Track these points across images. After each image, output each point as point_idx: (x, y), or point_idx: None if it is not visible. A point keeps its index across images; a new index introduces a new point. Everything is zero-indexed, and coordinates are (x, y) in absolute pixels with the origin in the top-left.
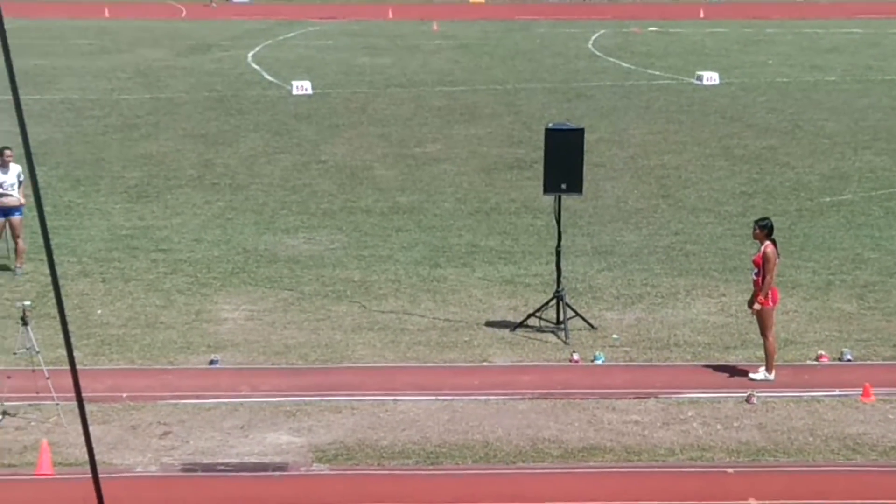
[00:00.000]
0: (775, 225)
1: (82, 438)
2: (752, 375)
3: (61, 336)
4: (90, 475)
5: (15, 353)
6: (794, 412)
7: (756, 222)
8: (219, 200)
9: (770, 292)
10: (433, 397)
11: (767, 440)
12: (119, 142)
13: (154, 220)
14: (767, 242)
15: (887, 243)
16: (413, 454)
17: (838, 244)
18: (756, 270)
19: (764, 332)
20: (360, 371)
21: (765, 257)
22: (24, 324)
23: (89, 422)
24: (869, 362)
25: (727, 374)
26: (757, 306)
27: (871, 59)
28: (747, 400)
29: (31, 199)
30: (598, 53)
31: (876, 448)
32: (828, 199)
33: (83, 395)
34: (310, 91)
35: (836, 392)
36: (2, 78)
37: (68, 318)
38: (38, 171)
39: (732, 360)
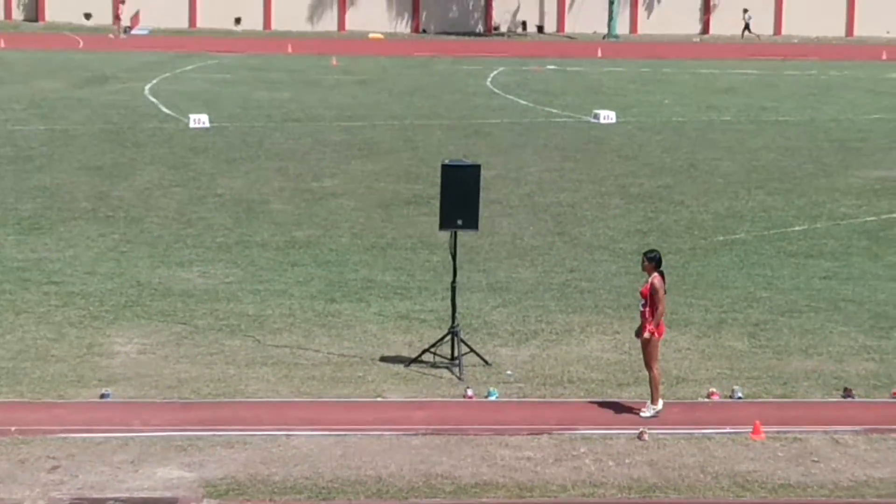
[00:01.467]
0: (669, 262)
1: None
2: (642, 414)
3: None
4: None
5: None
6: (685, 449)
7: (645, 254)
8: (113, 233)
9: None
10: (326, 432)
11: (658, 477)
12: (13, 173)
13: (47, 252)
14: (655, 274)
15: (779, 282)
16: (305, 489)
17: (731, 283)
18: (643, 302)
19: (649, 363)
20: (253, 406)
21: (652, 288)
22: None
23: None
24: (759, 400)
25: (620, 411)
26: (646, 335)
27: (765, 99)
28: (639, 437)
29: None
30: (496, 91)
31: (765, 485)
32: (721, 238)
33: None
34: (207, 124)
35: (727, 429)
36: None
37: None
38: None
39: (626, 396)
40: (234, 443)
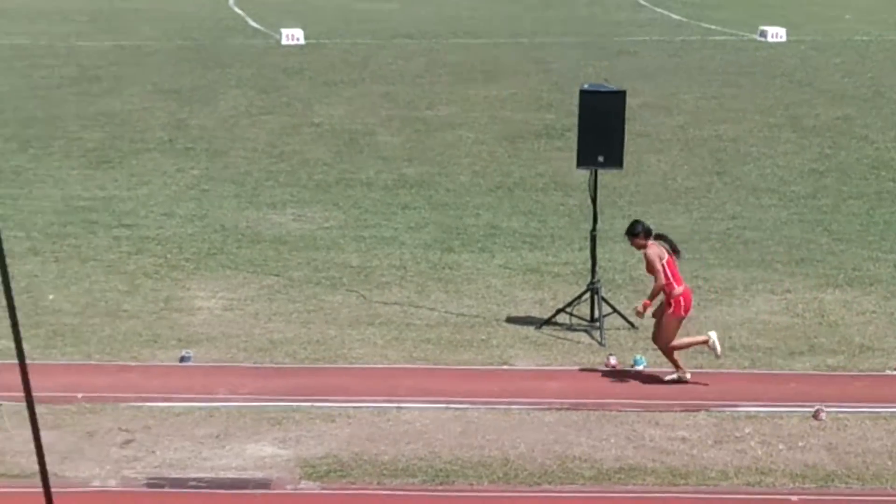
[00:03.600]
0: (851, 208)
1: (31, 446)
2: (667, 378)
3: (3, 325)
4: (40, 490)
5: None
6: (870, 431)
7: (626, 233)
8: (193, 168)
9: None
10: (443, 405)
11: (838, 463)
12: (77, 97)
13: (117, 189)
14: (649, 243)
15: None
16: (419, 472)
17: None
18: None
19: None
20: (357, 373)
21: (647, 262)
22: None
23: (39, 426)
24: None
25: (791, 385)
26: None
27: None
28: (815, 416)
29: None
30: (643, 3)
31: None
32: None
33: (32, 394)
34: (302, 41)
35: None
36: None
37: (15, 304)
38: None
39: (798, 368)
40: (336, 416)
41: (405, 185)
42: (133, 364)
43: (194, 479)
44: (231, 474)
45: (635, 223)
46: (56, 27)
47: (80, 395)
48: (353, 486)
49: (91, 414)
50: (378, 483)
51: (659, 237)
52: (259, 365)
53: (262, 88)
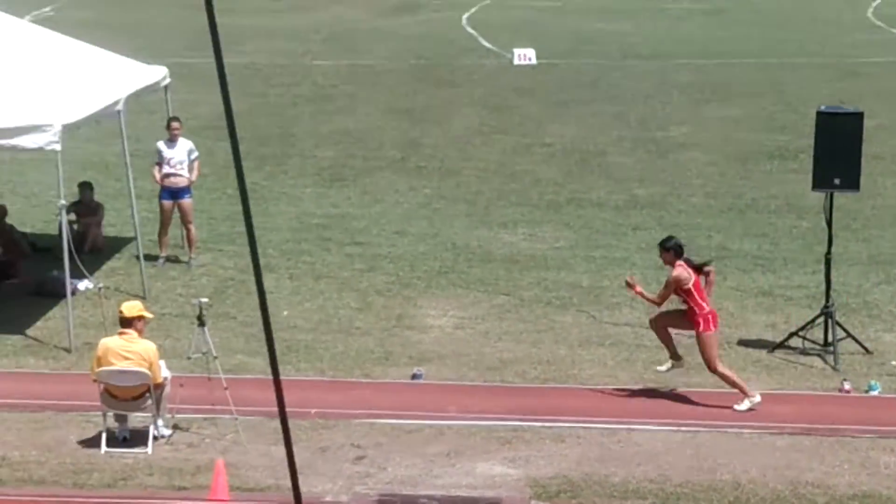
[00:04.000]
0: None
1: (264, 460)
2: (736, 407)
3: (241, 340)
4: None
5: (189, 358)
6: None
7: (659, 244)
8: (425, 187)
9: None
10: (674, 427)
11: None
12: (311, 115)
13: (350, 207)
14: (678, 263)
15: None
16: (650, 494)
17: None
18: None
19: (712, 364)
20: (587, 393)
21: (675, 282)
22: (201, 324)
23: (273, 441)
24: None
25: None
26: (701, 330)
27: None
28: None
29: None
30: (879, 23)
31: None
32: None
33: (266, 409)
34: (534, 61)
35: None
36: (178, 39)
37: (250, 320)
38: (218, 146)
39: None
40: (566, 436)
41: (636, 206)
42: (365, 381)
43: (425, 497)
44: (462, 492)
45: (670, 238)
46: (291, 46)
47: (313, 411)
48: None
49: (324, 429)
50: None
51: (687, 260)
52: (489, 384)
53: (493, 108)
